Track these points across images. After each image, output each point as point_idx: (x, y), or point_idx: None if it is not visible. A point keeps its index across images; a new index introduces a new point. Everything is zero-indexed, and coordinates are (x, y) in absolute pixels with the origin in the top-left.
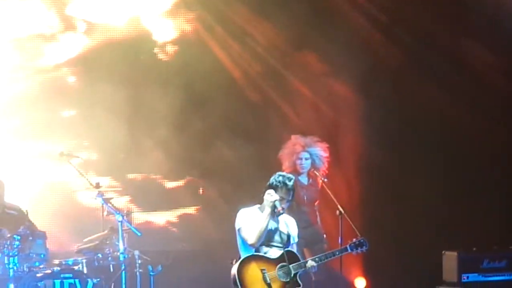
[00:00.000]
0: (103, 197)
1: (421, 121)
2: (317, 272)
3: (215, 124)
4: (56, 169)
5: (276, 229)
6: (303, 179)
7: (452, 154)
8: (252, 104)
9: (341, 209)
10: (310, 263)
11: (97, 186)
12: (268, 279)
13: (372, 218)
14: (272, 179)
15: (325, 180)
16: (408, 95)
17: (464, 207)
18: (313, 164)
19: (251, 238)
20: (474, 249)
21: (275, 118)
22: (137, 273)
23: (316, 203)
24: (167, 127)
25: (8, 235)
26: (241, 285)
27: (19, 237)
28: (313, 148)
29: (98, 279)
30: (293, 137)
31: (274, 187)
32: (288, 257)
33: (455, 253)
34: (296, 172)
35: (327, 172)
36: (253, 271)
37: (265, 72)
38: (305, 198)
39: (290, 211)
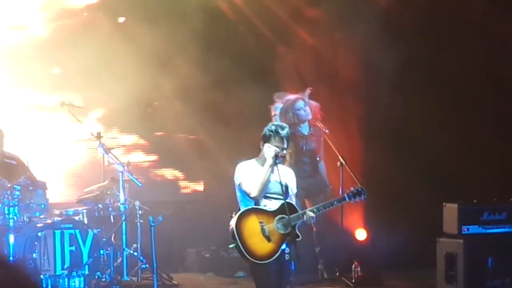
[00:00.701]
0: (104, 147)
1: (425, 73)
2: (317, 223)
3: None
4: (58, 119)
5: (274, 181)
6: (304, 129)
7: (453, 105)
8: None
9: (342, 160)
10: (309, 213)
11: (99, 136)
12: (266, 232)
13: (373, 170)
14: (265, 130)
15: (327, 131)
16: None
17: (465, 159)
18: (311, 110)
19: (254, 191)
20: (475, 201)
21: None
22: (138, 223)
23: (319, 153)
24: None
25: (8, 185)
26: (239, 238)
27: (19, 187)
28: (304, 96)
29: (99, 230)
30: (278, 94)
31: (268, 137)
32: (287, 208)
33: (455, 205)
34: (297, 124)
35: (320, 118)
36: (252, 224)
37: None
38: (304, 148)
39: (290, 161)
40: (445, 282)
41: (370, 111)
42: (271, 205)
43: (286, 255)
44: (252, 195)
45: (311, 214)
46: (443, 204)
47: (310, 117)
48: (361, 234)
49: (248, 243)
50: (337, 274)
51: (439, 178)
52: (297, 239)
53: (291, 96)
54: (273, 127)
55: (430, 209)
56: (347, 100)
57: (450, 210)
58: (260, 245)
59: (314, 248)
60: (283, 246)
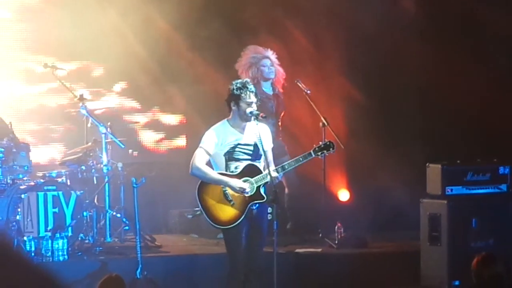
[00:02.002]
0: (87, 109)
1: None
2: (290, 185)
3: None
4: (41, 80)
5: (245, 143)
6: (267, 89)
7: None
8: None
9: (324, 120)
10: (273, 173)
11: (81, 98)
12: (229, 196)
13: (355, 130)
14: (231, 88)
15: (308, 92)
16: None
17: (448, 119)
18: (276, 71)
19: (193, 168)
20: (458, 161)
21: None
22: (121, 185)
23: (281, 115)
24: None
25: None
26: (202, 205)
27: (2, 149)
28: (270, 54)
29: (82, 191)
30: (250, 47)
31: (237, 96)
32: (250, 170)
33: (439, 166)
34: (258, 80)
35: (281, 86)
36: (214, 191)
37: None
38: (273, 109)
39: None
40: (428, 243)
41: (350, 69)
42: (242, 166)
43: (269, 214)
44: (190, 169)
45: (275, 174)
46: (427, 164)
47: (272, 76)
48: (344, 195)
49: (211, 210)
50: (320, 235)
51: (424, 138)
52: (261, 201)
53: (259, 52)
54: (239, 84)
55: (413, 170)
56: (327, 56)
57: (434, 171)
58: (224, 210)
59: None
60: (254, 207)
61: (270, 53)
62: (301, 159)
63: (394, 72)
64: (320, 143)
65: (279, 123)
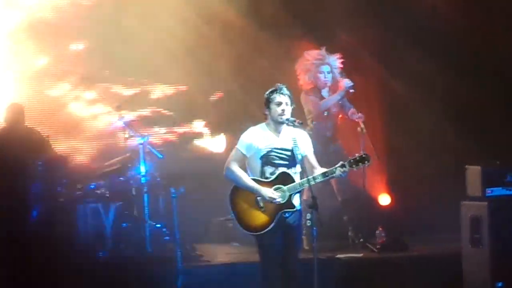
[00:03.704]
0: (125, 120)
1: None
2: (343, 192)
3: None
4: (78, 93)
5: (282, 148)
6: (325, 94)
7: (475, 65)
8: None
9: (362, 126)
10: (304, 184)
11: (118, 109)
12: (261, 203)
13: (395, 133)
14: (265, 93)
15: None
16: None
17: (488, 121)
18: (333, 77)
19: (226, 170)
20: (498, 163)
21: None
22: (160, 195)
23: (339, 117)
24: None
25: (30, 161)
26: (233, 211)
27: (41, 163)
28: (332, 60)
29: (121, 203)
30: (312, 51)
31: (268, 100)
32: (283, 178)
33: (478, 168)
34: (317, 87)
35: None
36: (246, 196)
37: None
38: (326, 113)
39: (310, 126)
40: (470, 246)
41: (393, 76)
42: (277, 173)
43: (308, 221)
44: (224, 170)
45: (307, 184)
46: (466, 167)
47: (328, 83)
48: (384, 199)
49: (243, 215)
50: (361, 240)
51: (463, 141)
52: (292, 209)
53: (319, 58)
54: (271, 88)
55: (453, 173)
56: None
57: (473, 173)
58: (255, 216)
59: (341, 216)
60: (286, 215)
61: (332, 59)
62: (335, 170)
63: (433, 75)
64: (356, 155)
65: (335, 128)
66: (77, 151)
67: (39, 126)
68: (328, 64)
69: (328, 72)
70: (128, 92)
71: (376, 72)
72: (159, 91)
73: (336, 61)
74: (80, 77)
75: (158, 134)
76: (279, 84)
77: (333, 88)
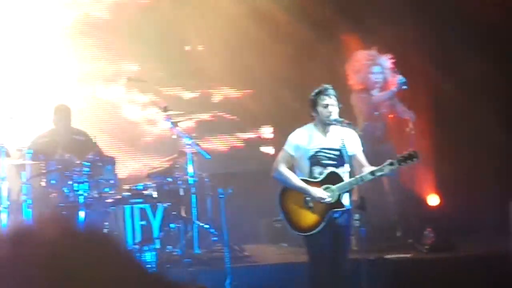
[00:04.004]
0: (172, 120)
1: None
2: (394, 193)
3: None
4: (124, 94)
5: (330, 147)
6: (375, 94)
7: None
8: None
9: (411, 126)
10: (353, 183)
11: (165, 109)
12: (310, 203)
13: (444, 133)
14: (311, 95)
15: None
16: None
17: None
18: (384, 78)
19: (274, 170)
20: None
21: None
22: (208, 196)
23: (390, 116)
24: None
25: (77, 162)
26: (283, 211)
27: (88, 164)
28: (383, 60)
29: (169, 203)
30: (357, 53)
31: (313, 101)
32: (332, 178)
33: None
34: (368, 87)
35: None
36: (295, 197)
37: None
38: (376, 113)
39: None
40: None
41: (443, 75)
42: (325, 173)
43: (356, 221)
44: (272, 171)
45: (355, 183)
46: None
47: (379, 84)
48: (433, 200)
49: (292, 215)
50: (410, 241)
51: None
52: (342, 209)
53: (370, 59)
54: (317, 90)
55: (502, 174)
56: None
57: None
58: (304, 216)
59: (390, 216)
60: (336, 215)
61: (383, 59)
62: (384, 169)
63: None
64: (404, 153)
65: (386, 128)
66: (124, 152)
67: (89, 127)
68: (379, 64)
69: (379, 73)
70: (188, 95)
71: (425, 72)
72: (219, 95)
73: (387, 61)
74: (133, 78)
75: (220, 139)
76: (324, 84)
77: (384, 89)
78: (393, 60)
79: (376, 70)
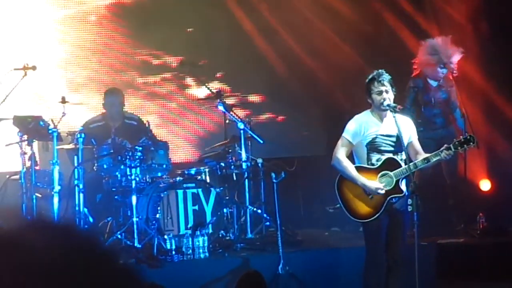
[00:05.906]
0: (225, 105)
1: None
2: (450, 175)
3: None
4: (175, 79)
5: (387, 134)
6: (433, 82)
7: None
8: None
9: (464, 111)
10: (411, 169)
11: (219, 94)
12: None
13: (494, 118)
14: (365, 84)
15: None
16: None
17: None
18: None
19: (334, 159)
20: None
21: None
22: (261, 180)
23: (451, 102)
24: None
25: (130, 146)
26: (341, 199)
27: (140, 148)
28: (449, 56)
29: (221, 188)
30: (424, 43)
31: (368, 88)
32: (390, 164)
33: None
34: (429, 78)
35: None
36: (354, 185)
37: None
38: (433, 100)
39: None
40: None
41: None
42: (382, 159)
43: (409, 206)
44: (332, 160)
45: (413, 169)
46: None
47: (441, 78)
48: (485, 185)
49: (350, 203)
50: (462, 225)
51: None
52: (400, 195)
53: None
54: (370, 76)
55: None
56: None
57: None
58: (362, 204)
59: (445, 201)
60: (393, 200)
61: (449, 52)
62: (440, 153)
63: None
64: (461, 137)
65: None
66: (177, 136)
67: (139, 112)
68: (445, 56)
69: (443, 67)
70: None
71: (476, 57)
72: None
73: (453, 57)
74: (186, 62)
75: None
76: (377, 70)
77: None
78: (461, 55)
79: (441, 62)
